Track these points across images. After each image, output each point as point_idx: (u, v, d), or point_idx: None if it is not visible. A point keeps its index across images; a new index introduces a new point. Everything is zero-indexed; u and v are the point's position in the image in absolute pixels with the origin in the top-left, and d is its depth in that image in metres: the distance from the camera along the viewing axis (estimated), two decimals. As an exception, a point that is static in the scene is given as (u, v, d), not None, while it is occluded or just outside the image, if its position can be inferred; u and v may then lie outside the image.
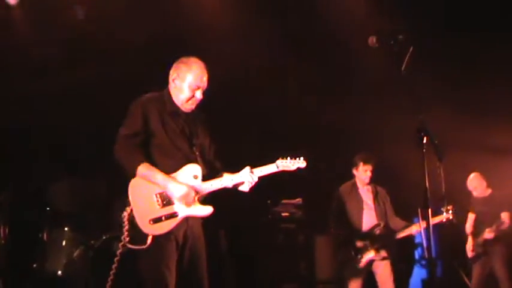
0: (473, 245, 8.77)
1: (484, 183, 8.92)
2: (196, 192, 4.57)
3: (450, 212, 7.47)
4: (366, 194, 7.80)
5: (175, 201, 4.50)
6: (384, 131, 9.52)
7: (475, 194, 8.99)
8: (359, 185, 7.82)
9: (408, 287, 9.86)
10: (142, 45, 8.52)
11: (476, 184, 8.95)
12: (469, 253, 8.83)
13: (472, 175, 8.98)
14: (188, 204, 4.52)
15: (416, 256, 10.41)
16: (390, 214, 7.77)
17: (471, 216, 8.99)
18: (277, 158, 4.90)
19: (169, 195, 4.49)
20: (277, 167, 4.86)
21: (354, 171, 7.82)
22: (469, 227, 8.97)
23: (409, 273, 9.84)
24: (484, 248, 8.64)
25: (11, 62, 8.19)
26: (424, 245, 9.41)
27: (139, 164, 4.45)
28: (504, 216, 8.60)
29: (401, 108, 4.42)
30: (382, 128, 9.59)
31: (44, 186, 8.21)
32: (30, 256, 7.77)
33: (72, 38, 8.34)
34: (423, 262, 10.26)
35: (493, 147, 9.70)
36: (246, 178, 4.72)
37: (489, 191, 8.93)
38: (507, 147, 9.67)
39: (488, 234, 8.57)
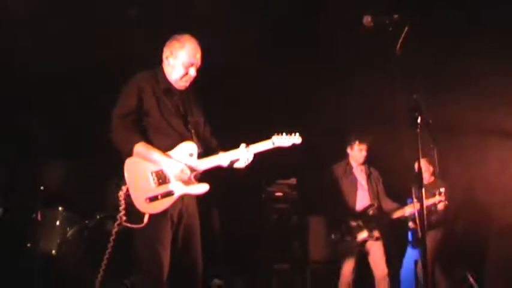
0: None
1: (430, 170, 8.65)
2: (192, 170, 4.57)
3: (442, 194, 7.49)
4: (360, 174, 7.82)
5: (171, 179, 4.50)
6: (378, 110, 9.53)
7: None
8: (353, 164, 7.82)
9: (401, 267, 9.88)
10: (136, 24, 8.48)
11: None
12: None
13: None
14: (184, 182, 4.53)
15: (410, 237, 10.44)
16: (382, 195, 7.81)
17: None
18: (273, 134, 4.90)
19: (165, 173, 4.49)
20: (273, 143, 4.87)
21: (349, 150, 7.82)
22: None
23: (402, 254, 9.86)
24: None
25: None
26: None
27: (135, 143, 4.46)
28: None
29: (395, 88, 4.38)
30: (375, 107, 9.60)
31: (38, 166, 8.17)
32: (24, 236, 7.76)
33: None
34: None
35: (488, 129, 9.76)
36: (241, 155, 4.73)
37: (432, 178, 8.66)
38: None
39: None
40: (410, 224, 8.67)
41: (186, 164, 4.55)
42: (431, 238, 8.27)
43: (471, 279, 8.66)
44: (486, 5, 8.46)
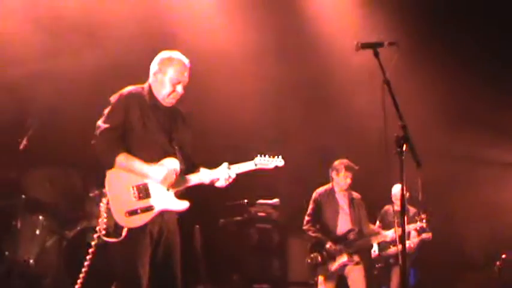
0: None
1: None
2: (177, 175, 4.55)
3: (424, 220, 7.53)
4: (342, 199, 7.86)
5: (153, 194, 4.49)
6: (364, 136, 9.60)
7: (396, 207, 8.39)
8: (336, 189, 7.86)
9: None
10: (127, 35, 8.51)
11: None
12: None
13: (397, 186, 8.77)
14: (169, 187, 4.51)
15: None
16: (365, 220, 7.83)
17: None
18: (255, 156, 4.90)
19: (149, 181, 4.48)
20: (255, 165, 4.86)
21: (334, 176, 7.85)
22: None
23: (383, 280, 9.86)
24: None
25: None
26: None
27: (117, 155, 4.44)
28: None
29: (380, 114, 4.39)
30: (362, 133, 9.66)
31: (20, 174, 8.11)
32: (3, 244, 7.70)
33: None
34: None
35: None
36: (223, 174, 4.71)
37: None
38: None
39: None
40: (373, 253, 8.69)
41: (170, 169, 4.52)
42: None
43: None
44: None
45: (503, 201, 10.09)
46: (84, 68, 8.41)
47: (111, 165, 4.46)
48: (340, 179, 7.79)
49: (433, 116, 9.62)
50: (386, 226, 8.55)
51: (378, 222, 8.82)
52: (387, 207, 8.82)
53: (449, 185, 9.86)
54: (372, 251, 8.78)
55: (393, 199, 8.52)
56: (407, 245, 8.12)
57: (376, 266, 8.93)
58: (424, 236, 8.51)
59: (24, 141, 7.71)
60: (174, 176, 4.54)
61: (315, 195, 7.94)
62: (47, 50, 8.29)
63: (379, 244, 8.59)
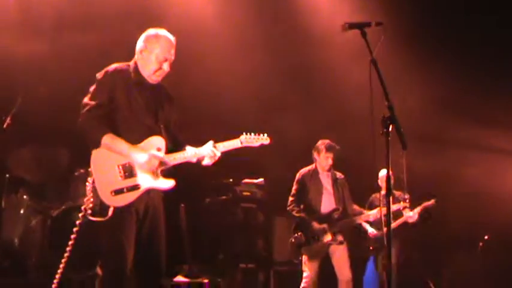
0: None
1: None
2: (160, 162, 4.55)
3: (407, 200, 7.58)
4: (326, 179, 7.90)
5: (138, 172, 4.48)
6: (348, 115, 9.62)
7: (382, 191, 8.41)
8: (319, 169, 7.90)
9: (365, 271, 9.94)
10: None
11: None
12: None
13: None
14: (151, 174, 4.50)
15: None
16: (348, 201, 7.89)
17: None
18: (241, 134, 4.90)
19: (133, 163, 4.47)
20: (241, 143, 4.88)
21: (316, 156, 7.90)
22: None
23: (366, 258, 9.92)
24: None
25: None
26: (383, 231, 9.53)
27: (103, 135, 4.42)
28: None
29: (367, 95, 4.40)
30: (346, 112, 9.68)
31: (4, 153, 8.05)
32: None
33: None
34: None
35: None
36: (209, 152, 4.71)
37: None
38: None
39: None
40: (371, 233, 8.72)
41: (153, 155, 4.51)
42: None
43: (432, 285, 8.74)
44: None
45: (489, 186, 10.16)
46: (69, 47, 8.35)
47: (97, 144, 4.45)
48: (322, 160, 7.83)
49: (421, 100, 9.65)
50: None
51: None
52: (374, 195, 8.84)
53: (436, 169, 9.90)
54: (370, 232, 8.79)
55: (380, 183, 8.64)
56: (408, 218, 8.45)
57: (371, 247, 8.92)
58: (410, 219, 8.55)
59: (8, 120, 7.65)
60: (156, 163, 4.53)
61: (298, 176, 7.98)
62: (29, 28, 8.23)
63: (372, 224, 8.64)
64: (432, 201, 8.07)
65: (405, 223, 8.56)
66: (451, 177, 10.03)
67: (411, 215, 8.47)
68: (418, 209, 8.52)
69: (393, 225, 8.43)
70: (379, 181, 8.69)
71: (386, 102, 4.32)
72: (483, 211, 10.17)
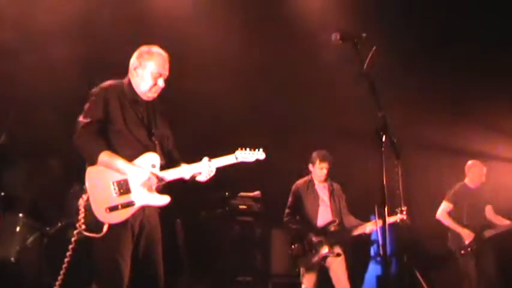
0: (471, 242, 8.41)
1: (484, 174, 8.65)
2: (158, 179, 4.55)
3: (404, 212, 7.58)
4: (322, 190, 7.88)
5: (133, 188, 4.48)
6: (343, 127, 9.63)
7: (469, 183, 8.70)
8: (315, 181, 7.90)
9: (363, 283, 9.93)
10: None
11: (480, 173, 8.65)
12: (464, 250, 8.42)
13: (477, 163, 8.73)
14: (149, 190, 4.50)
15: (372, 253, 10.50)
16: (345, 212, 7.86)
17: (447, 206, 8.69)
18: (236, 149, 4.90)
19: (130, 180, 4.46)
20: (236, 158, 4.89)
21: (311, 168, 7.90)
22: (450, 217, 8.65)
23: (364, 269, 9.92)
24: (481, 245, 8.37)
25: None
26: (380, 242, 9.53)
27: (100, 152, 4.42)
28: (488, 210, 8.62)
29: (361, 106, 4.41)
30: (341, 124, 9.69)
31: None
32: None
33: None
34: (378, 259, 10.35)
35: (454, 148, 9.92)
36: (203, 169, 4.73)
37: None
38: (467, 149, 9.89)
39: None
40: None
41: (152, 172, 4.51)
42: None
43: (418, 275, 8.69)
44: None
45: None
46: (63, 61, 8.35)
47: (93, 162, 4.45)
48: (316, 170, 7.82)
49: (412, 107, 9.65)
50: (460, 207, 8.65)
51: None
52: (460, 185, 8.80)
53: (429, 174, 9.89)
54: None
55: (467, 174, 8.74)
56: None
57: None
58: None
59: (2, 138, 7.65)
60: (155, 180, 4.54)
61: (294, 187, 7.98)
62: (23, 42, 8.23)
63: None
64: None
65: None
66: (443, 183, 9.95)
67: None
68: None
69: None
70: (467, 172, 8.77)
71: (379, 113, 4.33)
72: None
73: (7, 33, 8.07)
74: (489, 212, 8.62)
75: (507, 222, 8.43)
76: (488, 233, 8.39)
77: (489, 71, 9.32)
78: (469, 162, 8.76)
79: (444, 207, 8.68)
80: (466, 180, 8.76)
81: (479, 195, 8.67)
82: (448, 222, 8.63)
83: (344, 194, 7.95)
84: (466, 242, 8.41)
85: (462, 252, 8.42)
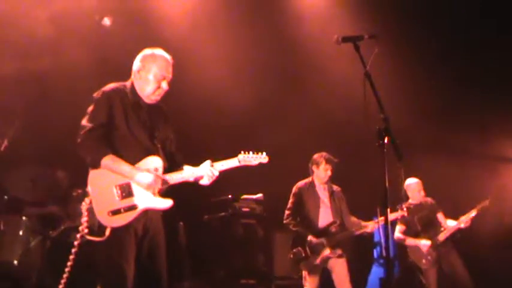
0: (429, 249, 8.52)
1: (421, 189, 8.85)
2: (163, 181, 4.55)
3: (405, 209, 7.60)
4: (323, 192, 7.89)
5: (136, 192, 4.48)
6: (345, 129, 9.62)
7: (412, 201, 8.82)
8: (316, 183, 7.90)
9: (366, 285, 9.93)
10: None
11: (418, 189, 8.83)
12: (427, 257, 8.53)
13: (413, 180, 8.87)
14: (152, 194, 4.51)
15: (375, 255, 10.50)
16: (346, 213, 7.86)
17: (401, 227, 8.83)
18: (239, 152, 4.90)
19: (133, 183, 4.47)
20: (239, 162, 4.88)
21: (314, 169, 7.89)
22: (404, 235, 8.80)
23: (367, 272, 9.91)
24: (438, 250, 8.51)
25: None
26: (383, 244, 9.52)
27: (104, 156, 4.43)
28: (440, 216, 8.76)
29: (362, 107, 4.41)
30: (343, 126, 9.69)
31: (2, 175, 8.05)
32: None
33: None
34: (381, 261, 10.35)
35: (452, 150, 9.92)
36: (206, 172, 4.72)
37: (423, 198, 8.87)
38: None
39: (461, 224, 8.45)
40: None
41: (154, 176, 4.52)
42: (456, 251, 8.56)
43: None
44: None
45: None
46: (67, 65, 8.38)
47: (96, 166, 4.45)
48: (321, 172, 7.82)
49: (413, 109, 9.66)
50: (411, 224, 8.75)
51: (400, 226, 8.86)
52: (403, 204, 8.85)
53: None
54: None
55: (407, 192, 8.84)
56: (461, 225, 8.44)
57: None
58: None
59: (5, 142, 7.67)
60: (160, 183, 4.54)
61: (295, 189, 7.98)
62: (29, 48, 8.26)
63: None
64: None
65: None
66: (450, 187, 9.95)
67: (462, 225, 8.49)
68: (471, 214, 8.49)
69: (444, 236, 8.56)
70: (407, 191, 8.84)
71: (381, 114, 4.33)
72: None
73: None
74: (441, 218, 8.78)
75: (454, 222, 8.56)
76: (441, 237, 8.54)
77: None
78: (406, 182, 8.86)
79: (398, 229, 8.85)
80: (409, 199, 8.88)
81: (427, 207, 8.83)
82: (404, 239, 8.79)
83: (344, 196, 7.94)
84: (425, 251, 8.56)
85: (424, 261, 8.57)
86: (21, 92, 8.25)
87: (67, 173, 8.38)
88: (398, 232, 8.80)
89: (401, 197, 8.17)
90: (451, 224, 8.59)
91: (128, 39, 8.16)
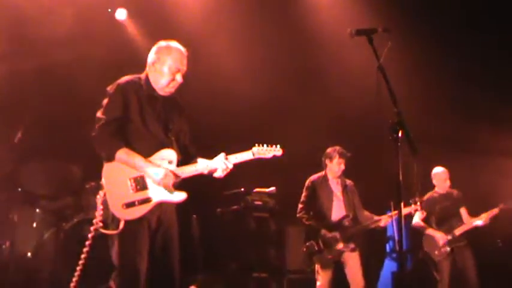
0: (446, 241, 8.52)
1: (447, 179, 8.87)
2: (175, 176, 4.55)
3: (418, 203, 7.58)
4: (336, 186, 7.89)
5: (150, 185, 4.48)
6: (359, 122, 9.60)
7: (438, 190, 8.90)
8: (329, 176, 7.89)
9: (379, 279, 9.92)
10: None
11: (444, 178, 8.87)
12: (440, 249, 8.54)
13: (440, 169, 8.92)
14: (166, 187, 4.51)
15: (388, 249, 10.49)
16: (358, 207, 7.85)
17: (420, 214, 8.61)
18: (253, 145, 4.89)
19: (145, 179, 4.47)
20: (253, 155, 4.86)
21: (327, 162, 7.88)
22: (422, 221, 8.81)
23: (379, 266, 9.89)
24: (453, 244, 8.49)
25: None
26: (395, 238, 9.51)
27: (118, 149, 4.44)
28: (463, 211, 8.73)
29: (376, 101, 4.39)
30: (357, 119, 9.66)
31: (16, 167, 8.09)
32: (0, 237, 7.70)
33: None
34: (394, 255, 10.34)
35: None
36: (220, 165, 4.70)
37: (448, 188, 8.89)
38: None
39: (480, 221, 8.45)
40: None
41: (168, 170, 4.52)
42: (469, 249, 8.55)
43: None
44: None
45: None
46: (81, 59, 8.40)
47: (111, 159, 4.46)
48: (334, 166, 7.82)
49: (426, 103, 9.61)
50: (431, 213, 8.72)
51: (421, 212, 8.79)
52: (429, 193, 8.90)
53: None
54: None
55: (434, 181, 8.92)
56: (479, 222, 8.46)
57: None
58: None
59: (19, 135, 7.70)
60: (172, 178, 4.54)
61: (308, 182, 7.97)
62: (41, 42, 8.28)
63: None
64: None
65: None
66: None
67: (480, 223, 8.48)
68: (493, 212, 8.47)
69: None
70: (433, 180, 8.90)
71: (394, 108, 4.31)
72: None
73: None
74: (464, 213, 8.75)
75: (475, 219, 8.54)
76: (457, 231, 8.52)
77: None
78: (433, 170, 8.93)
79: (419, 215, 8.71)
80: (436, 188, 8.92)
81: (451, 198, 8.81)
82: (424, 228, 8.78)
83: (357, 190, 7.93)
84: (441, 243, 8.55)
85: (436, 253, 8.57)
86: (39, 87, 8.29)
87: (80, 165, 8.40)
88: (418, 218, 8.76)
89: (413, 191, 8.15)
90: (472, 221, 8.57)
91: (142, 32, 8.18)
